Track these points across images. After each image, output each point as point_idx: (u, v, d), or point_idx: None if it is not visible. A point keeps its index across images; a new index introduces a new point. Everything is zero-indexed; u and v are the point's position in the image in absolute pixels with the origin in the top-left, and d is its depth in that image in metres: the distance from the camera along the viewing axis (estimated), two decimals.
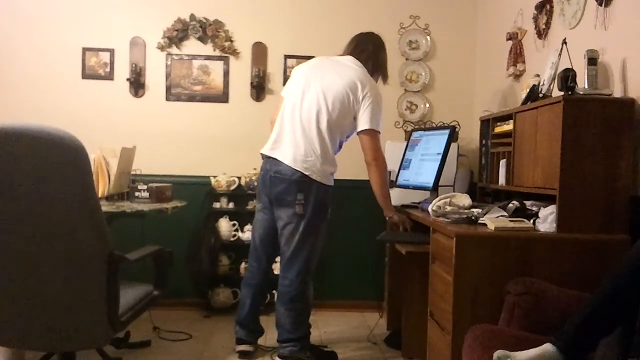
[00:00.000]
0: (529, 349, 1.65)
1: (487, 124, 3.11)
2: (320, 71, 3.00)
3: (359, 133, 2.94)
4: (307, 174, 2.84)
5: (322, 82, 2.94)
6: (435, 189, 3.08)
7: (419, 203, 3.22)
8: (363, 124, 2.90)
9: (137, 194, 3.17)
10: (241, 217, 3.97)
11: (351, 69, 2.97)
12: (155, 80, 4.07)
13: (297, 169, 2.84)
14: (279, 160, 2.89)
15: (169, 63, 4.06)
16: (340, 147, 3.05)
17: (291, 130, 2.92)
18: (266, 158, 2.97)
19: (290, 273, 2.93)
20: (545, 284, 2.03)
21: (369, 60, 3.05)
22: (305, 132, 2.88)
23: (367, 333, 3.56)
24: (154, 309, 3.16)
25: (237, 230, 3.96)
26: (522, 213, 2.42)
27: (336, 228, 4.09)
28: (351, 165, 4.10)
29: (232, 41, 4.07)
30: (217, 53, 4.08)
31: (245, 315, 3.11)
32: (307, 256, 2.91)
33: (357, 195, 4.07)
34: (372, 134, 2.91)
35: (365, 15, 4.11)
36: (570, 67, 2.31)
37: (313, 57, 4.05)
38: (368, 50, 3.08)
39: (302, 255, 2.91)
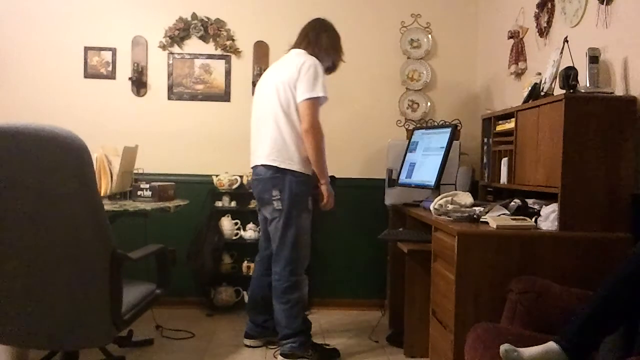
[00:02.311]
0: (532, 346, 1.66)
1: (489, 122, 3.11)
2: (270, 72, 3.15)
3: (298, 104, 2.94)
4: (278, 166, 2.94)
5: (270, 80, 3.08)
6: (436, 187, 3.09)
7: (420, 201, 3.23)
8: (300, 94, 2.93)
9: (139, 192, 3.17)
10: (243, 216, 3.98)
11: (292, 57, 3.06)
12: (157, 79, 4.08)
13: (269, 164, 2.96)
14: (256, 164, 3.06)
15: (171, 62, 4.07)
16: None
17: (257, 135, 3.09)
18: (252, 168, 3.15)
19: (278, 266, 3.00)
20: (547, 282, 2.03)
21: (308, 47, 3.10)
22: (268, 130, 2.99)
23: (369, 331, 3.56)
24: (156, 307, 3.17)
25: (239, 229, 3.96)
26: (523, 211, 2.42)
27: (338, 226, 4.10)
28: (352, 163, 4.12)
29: (233, 40, 4.07)
30: (219, 52, 4.08)
31: (249, 309, 3.27)
32: (290, 248, 2.97)
33: (359, 194, 4.08)
34: (309, 103, 2.91)
35: (366, 14, 4.11)
36: (572, 65, 2.32)
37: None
38: (308, 38, 3.13)
39: (286, 247, 2.97)
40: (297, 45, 3.13)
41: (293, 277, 2.97)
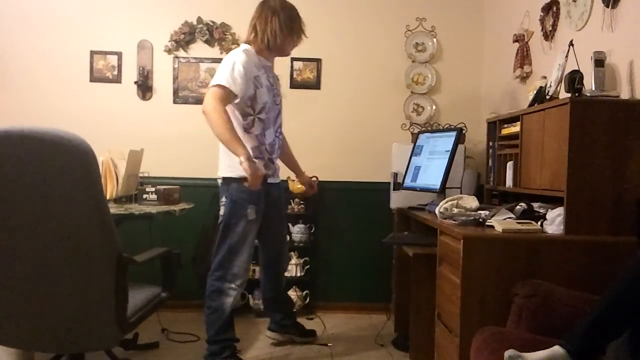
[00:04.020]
0: (537, 351, 1.65)
1: (494, 125, 3.10)
2: None
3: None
4: (224, 175, 2.97)
5: None
6: (442, 191, 3.08)
7: (425, 205, 3.22)
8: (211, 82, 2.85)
9: (144, 196, 3.18)
10: None
11: None
12: (163, 83, 4.09)
13: (219, 174, 3.01)
14: None
15: (176, 66, 4.08)
16: (260, 137, 3.00)
17: None
18: None
19: (211, 270, 2.99)
20: (552, 286, 2.03)
21: (256, 40, 3.00)
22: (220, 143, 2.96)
23: (374, 335, 3.56)
24: (161, 310, 3.17)
25: None
26: (529, 215, 2.41)
27: (343, 230, 4.11)
28: (357, 167, 4.12)
29: (238, 44, 4.05)
30: (224, 56, 4.07)
31: (265, 308, 3.49)
32: (224, 254, 2.94)
33: (364, 197, 4.08)
34: (211, 90, 2.79)
35: (371, 17, 4.12)
36: (577, 68, 2.31)
37: (319, 59, 4.10)
38: (251, 33, 3.04)
39: (220, 252, 2.95)
40: (247, 38, 3.05)
41: (218, 284, 2.93)
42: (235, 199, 2.91)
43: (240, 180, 2.81)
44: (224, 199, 2.97)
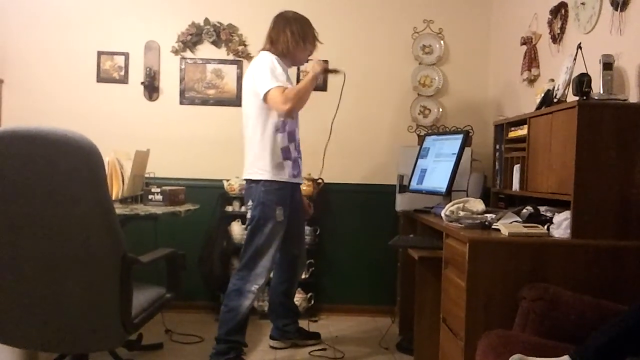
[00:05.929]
0: (543, 355, 1.63)
1: (501, 128, 3.09)
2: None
3: (266, 101, 2.92)
4: (251, 178, 2.99)
5: (243, 91, 3.12)
6: (448, 194, 3.07)
7: (431, 208, 3.21)
8: (261, 92, 2.90)
9: (150, 196, 3.18)
10: None
11: (252, 63, 3.06)
12: (169, 83, 4.10)
13: (246, 177, 3.05)
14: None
15: (183, 67, 4.09)
16: (291, 135, 3.05)
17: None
18: None
19: (236, 269, 3.04)
20: (560, 290, 2.01)
21: (271, 48, 3.06)
22: (246, 143, 3.06)
23: (378, 338, 3.54)
24: (166, 311, 3.17)
25: None
26: (535, 218, 2.40)
27: (348, 232, 4.10)
28: (363, 169, 4.11)
29: (245, 45, 4.09)
30: (231, 57, 4.09)
31: (269, 313, 3.44)
32: (250, 255, 2.97)
33: (370, 200, 4.07)
34: (270, 95, 2.87)
35: (378, 19, 4.11)
36: (585, 71, 2.30)
37: (326, 61, 4.09)
38: (268, 42, 3.09)
39: (247, 253, 2.98)
40: (263, 47, 3.11)
41: (240, 284, 2.96)
42: (264, 201, 2.95)
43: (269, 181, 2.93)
44: (250, 202, 3.01)
